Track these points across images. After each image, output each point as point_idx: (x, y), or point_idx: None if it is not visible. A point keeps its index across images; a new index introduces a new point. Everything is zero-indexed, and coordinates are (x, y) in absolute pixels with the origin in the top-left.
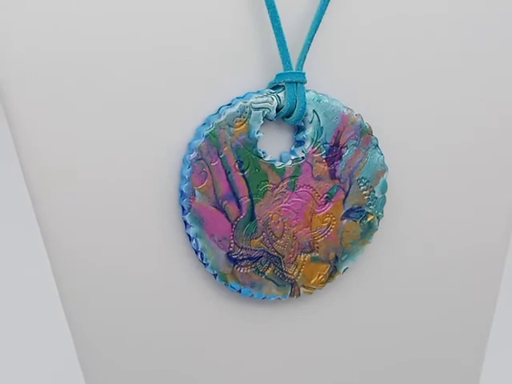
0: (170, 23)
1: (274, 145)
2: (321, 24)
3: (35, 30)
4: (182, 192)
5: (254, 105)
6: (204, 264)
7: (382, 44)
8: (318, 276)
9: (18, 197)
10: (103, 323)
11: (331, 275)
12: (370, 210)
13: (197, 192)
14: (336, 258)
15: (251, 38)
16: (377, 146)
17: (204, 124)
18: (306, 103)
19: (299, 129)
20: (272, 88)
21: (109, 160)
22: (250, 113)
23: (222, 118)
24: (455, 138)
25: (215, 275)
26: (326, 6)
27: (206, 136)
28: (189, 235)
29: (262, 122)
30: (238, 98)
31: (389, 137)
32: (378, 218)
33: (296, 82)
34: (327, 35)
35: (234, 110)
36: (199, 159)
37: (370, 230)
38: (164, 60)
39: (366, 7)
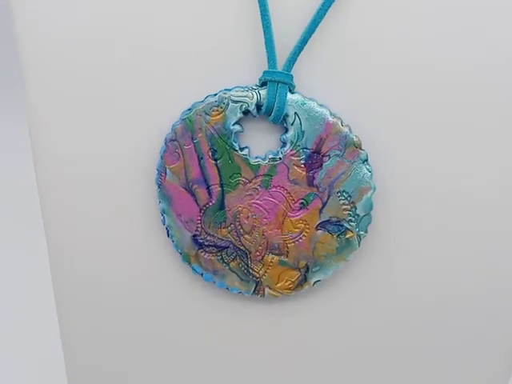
0: (175, 22)
1: (265, 144)
2: (324, 30)
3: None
4: (157, 169)
5: (232, 97)
6: (172, 241)
7: (386, 52)
8: (286, 281)
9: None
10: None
11: (300, 284)
12: (349, 227)
13: (168, 171)
14: (307, 267)
15: (252, 36)
16: (365, 161)
17: (189, 109)
18: (284, 103)
19: (286, 130)
20: (261, 85)
21: (109, 143)
22: (228, 104)
23: (201, 106)
24: (459, 168)
25: (180, 253)
26: (325, 11)
27: (183, 119)
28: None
29: (240, 115)
30: (225, 89)
31: (387, 155)
32: (358, 236)
33: (278, 82)
34: (330, 42)
35: (213, 99)
36: (173, 140)
37: (347, 247)
38: (167, 56)
39: (366, 12)
